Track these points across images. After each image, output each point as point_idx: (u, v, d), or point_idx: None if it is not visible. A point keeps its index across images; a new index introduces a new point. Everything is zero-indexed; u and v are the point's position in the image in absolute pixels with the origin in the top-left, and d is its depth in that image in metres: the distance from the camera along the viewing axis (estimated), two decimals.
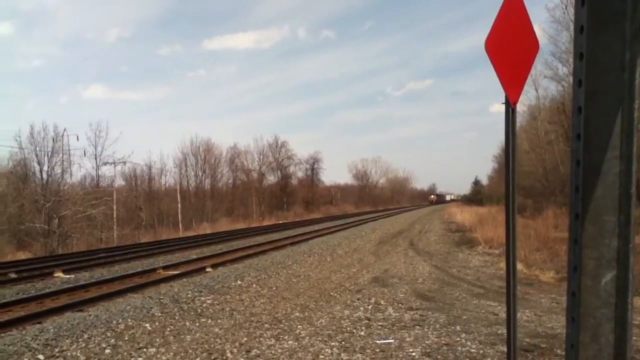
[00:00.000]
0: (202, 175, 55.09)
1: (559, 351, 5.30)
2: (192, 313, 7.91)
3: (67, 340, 6.30)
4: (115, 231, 31.30)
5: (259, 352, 5.70)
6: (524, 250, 13.01)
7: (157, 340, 6.34)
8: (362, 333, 6.41)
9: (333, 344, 5.93)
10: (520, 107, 32.36)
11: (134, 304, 8.38)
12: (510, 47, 2.67)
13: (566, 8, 23.36)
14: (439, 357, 5.32)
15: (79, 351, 5.89)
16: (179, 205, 42.86)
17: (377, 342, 5.96)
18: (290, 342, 6.08)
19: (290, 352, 5.66)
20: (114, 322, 7.19)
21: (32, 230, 25.57)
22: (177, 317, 7.61)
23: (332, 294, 9.24)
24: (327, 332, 6.50)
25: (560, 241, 13.81)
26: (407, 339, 6.02)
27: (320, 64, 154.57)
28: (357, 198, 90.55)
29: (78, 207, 27.75)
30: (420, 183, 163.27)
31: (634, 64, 1.08)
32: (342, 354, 5.51)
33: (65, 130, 31.06)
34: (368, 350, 5.62)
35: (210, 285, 10.17)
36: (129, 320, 7.34)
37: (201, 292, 9.52)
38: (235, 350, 5.78)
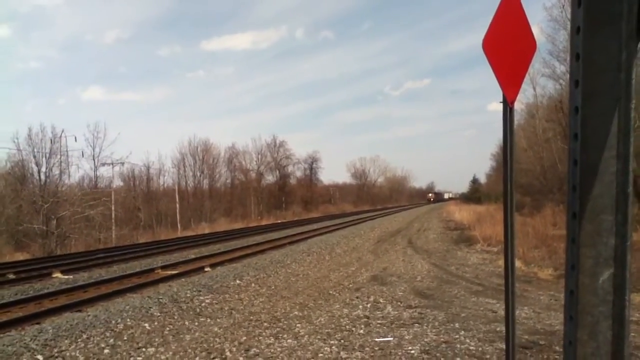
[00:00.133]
0: (200, 176, 55.04)
1: (557, 348, 5.33)
2: (191, 312, 7.91)
3: (66, 340, 6.29)
4: (113, 232, 31.22)
5: (258, 350, 5.70)
6: (523, 247, 13.04)
7: (156, 339, 6.35)
8: (361, 331, 6.42)
9: (332, 342, 5.94)
10: (518, 106, 32.43)
11: (132, 304, 8.37)
12: (508, 47, 2.68)
13: (563, 7, 23.39)
14: (437, 354, 5.34)
15: (77, 351, 5.89)
16: (177, 205, 42.81)
17: (376, 340, 5.97)
18: (289, 340, 6.09)
19: (289, 350, 5.67)
20: (113, 322, 7.19)
21: (30, 231, 25.50)
22: (176, 317, 7.61)
23: (331, 292, 9.25)
24: (326, 330, 6.51)
25: (559, 238, 13.84)
26: (406, 337, 6.04)
27: (318, 64, 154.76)
28: (355, 197, 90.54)
29: (76, 207, 27.67)
30: (419, 182, 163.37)
31: (630, 64, 1.09)
32: (341, 352, 5.53)
33: (63, 131, 30.94)
34: (367, 349, 5.63)
35: (209, 285, 10.17)
36: (128, 320, 7.34)
37: (200, 291, 9.52)
38: (234, 349, 5.79)
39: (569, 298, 1.19)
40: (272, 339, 6.17)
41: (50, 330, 6.70)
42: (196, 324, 7.18)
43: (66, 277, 12.51)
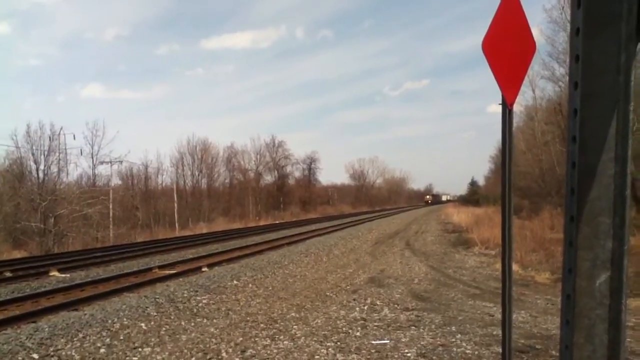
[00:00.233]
0: (198, 175, 55.03)
1: (553, 352, 5.32)
2: (187, 313, 7.89)
3: (62, 339, 6.27)
4: (111, 230, 31.19)
5: (254, 352, 5.69)
6: (520, 251, 13.05)
7: (153, 339, 6.33)
8: (358, 333, 6.41)
9: (329, 344, 5.93)
10: (517, 108, 32.45)
11: (129, 304, 8.35)
12: (507, 48, 2.67)
13: (563, 9, 23.47)
14: (434, 357, 5.33)
15: (73, 350, 5.87)
16: (176, 204, 42.78)
17: (373, 342, 5.96)
18: (285, 342, 6.08)
19: (285, 352, 5.66)
20: (110, 321, 7.17)
21: (27, 229, 25.46)
22: (172, 317, 7.59)
23: (328, 294, 9.24)
24: (323, 332, 6.50)
25: (557, 242, 13.85)
26: (403, 340, 6.03)
27: (318, 64, 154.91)
28: (354, 198, 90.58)
29: (74, 206, 27.64)
30: (417, 183, 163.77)
31: (629, 66, 1.08)
32: (338, 355, 5.51)
33: (62, 129, 30.94)
34: (364, 351, 5.62)
35: (206, 285, 10.15)
36: (125, 319, 7.32)
37: (197, 291, 9.51)
38: (230, 350, 5.78)
39: (565, 302, 1.19)
40: (269, 340, 6.15)
41: (47, 329, 6.68)
42: (193, 324, 7.17)
43: (63, 275, 12.48)
